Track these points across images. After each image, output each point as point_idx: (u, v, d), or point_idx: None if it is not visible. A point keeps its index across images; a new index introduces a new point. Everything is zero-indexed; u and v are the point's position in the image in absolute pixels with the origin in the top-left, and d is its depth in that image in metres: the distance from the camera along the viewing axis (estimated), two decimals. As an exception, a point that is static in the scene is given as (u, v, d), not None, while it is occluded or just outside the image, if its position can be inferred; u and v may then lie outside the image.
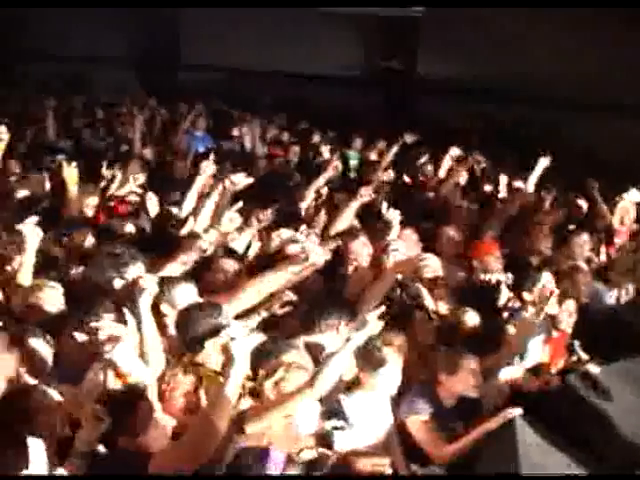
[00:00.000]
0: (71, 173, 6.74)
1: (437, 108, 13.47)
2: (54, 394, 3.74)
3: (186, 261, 5.30)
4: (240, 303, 4.75)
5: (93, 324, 3.99)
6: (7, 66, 16.25)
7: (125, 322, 4.16)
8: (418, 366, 4.88)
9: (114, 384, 3.84)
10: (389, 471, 4.00)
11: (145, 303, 4.18)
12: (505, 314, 5.70)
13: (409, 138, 9.94)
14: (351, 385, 4.59)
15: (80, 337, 4.20)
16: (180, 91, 13.23)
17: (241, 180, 6.07)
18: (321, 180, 7.88)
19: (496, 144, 11.59)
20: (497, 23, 12.64)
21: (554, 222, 7.85)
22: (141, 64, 16.50)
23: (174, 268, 5.21)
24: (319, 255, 4.87)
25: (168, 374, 4.11)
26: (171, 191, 7.67)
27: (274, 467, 3.68)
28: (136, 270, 4.76)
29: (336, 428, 4.15)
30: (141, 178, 7.45)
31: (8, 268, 5.41)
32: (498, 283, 5.85)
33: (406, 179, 9.36)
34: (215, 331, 4.20)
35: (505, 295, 5.76)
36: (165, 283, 4.69)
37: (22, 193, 7.34)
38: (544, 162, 7.94)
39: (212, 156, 7.01)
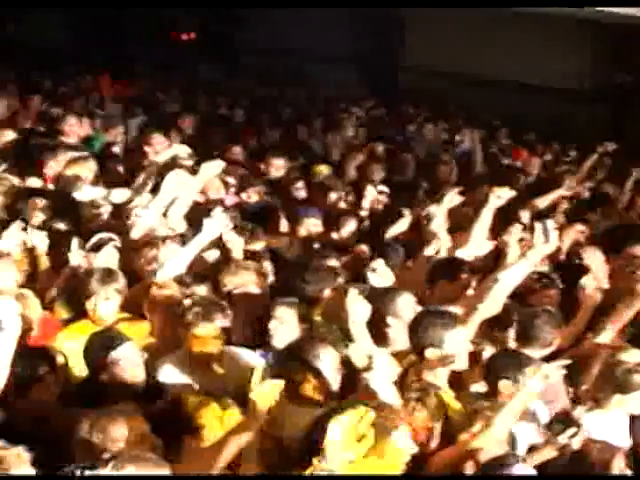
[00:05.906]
0: None
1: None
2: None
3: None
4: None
5: None
6: (232, 59, 16.92)
7: None
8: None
9: None
10: (622, 464, 3.69)
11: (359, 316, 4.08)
12: None
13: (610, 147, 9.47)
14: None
15: None
16: (400, 93, 13.21)
17: (505, 194, 5.68)
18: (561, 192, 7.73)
19: None
20: None
21: None
22: (362, 63, 16.63)
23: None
24: (554, 241, 4.63)
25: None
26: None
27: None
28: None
29: (572, 436, 3.87)
30: None
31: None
32: None
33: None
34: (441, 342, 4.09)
35: None
36: (387, 293, 4.65)
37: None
38: None
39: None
